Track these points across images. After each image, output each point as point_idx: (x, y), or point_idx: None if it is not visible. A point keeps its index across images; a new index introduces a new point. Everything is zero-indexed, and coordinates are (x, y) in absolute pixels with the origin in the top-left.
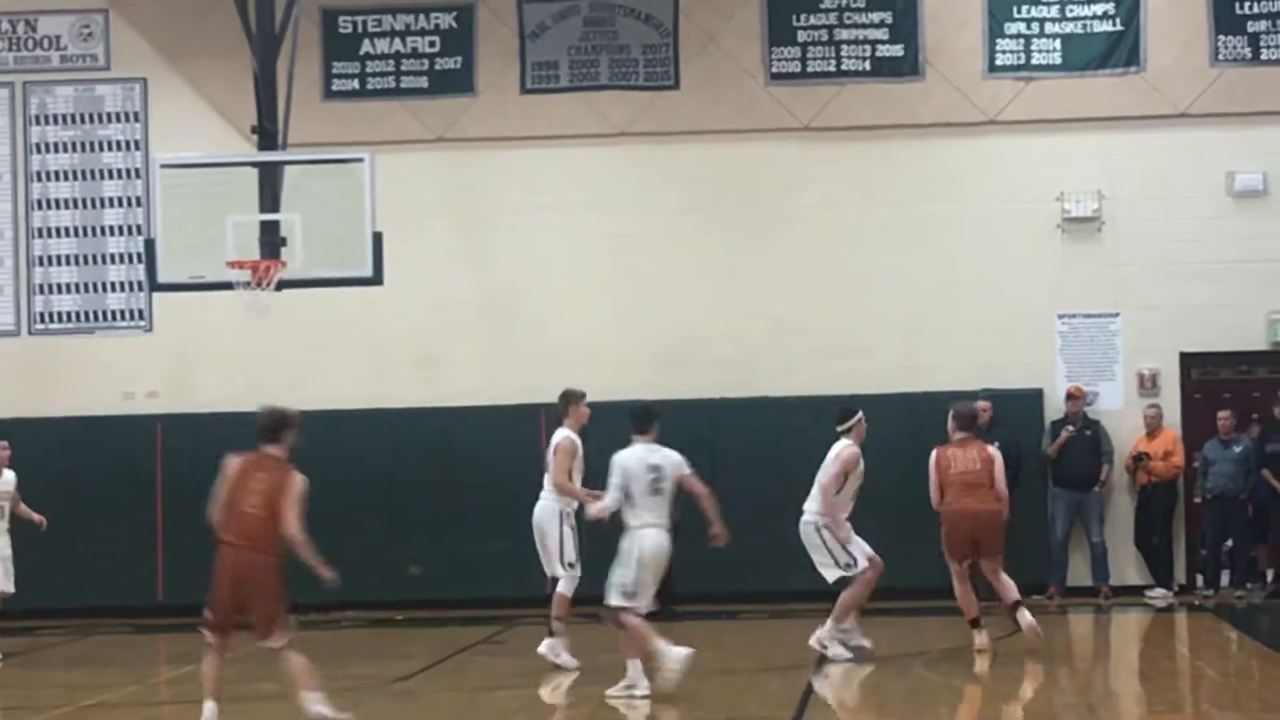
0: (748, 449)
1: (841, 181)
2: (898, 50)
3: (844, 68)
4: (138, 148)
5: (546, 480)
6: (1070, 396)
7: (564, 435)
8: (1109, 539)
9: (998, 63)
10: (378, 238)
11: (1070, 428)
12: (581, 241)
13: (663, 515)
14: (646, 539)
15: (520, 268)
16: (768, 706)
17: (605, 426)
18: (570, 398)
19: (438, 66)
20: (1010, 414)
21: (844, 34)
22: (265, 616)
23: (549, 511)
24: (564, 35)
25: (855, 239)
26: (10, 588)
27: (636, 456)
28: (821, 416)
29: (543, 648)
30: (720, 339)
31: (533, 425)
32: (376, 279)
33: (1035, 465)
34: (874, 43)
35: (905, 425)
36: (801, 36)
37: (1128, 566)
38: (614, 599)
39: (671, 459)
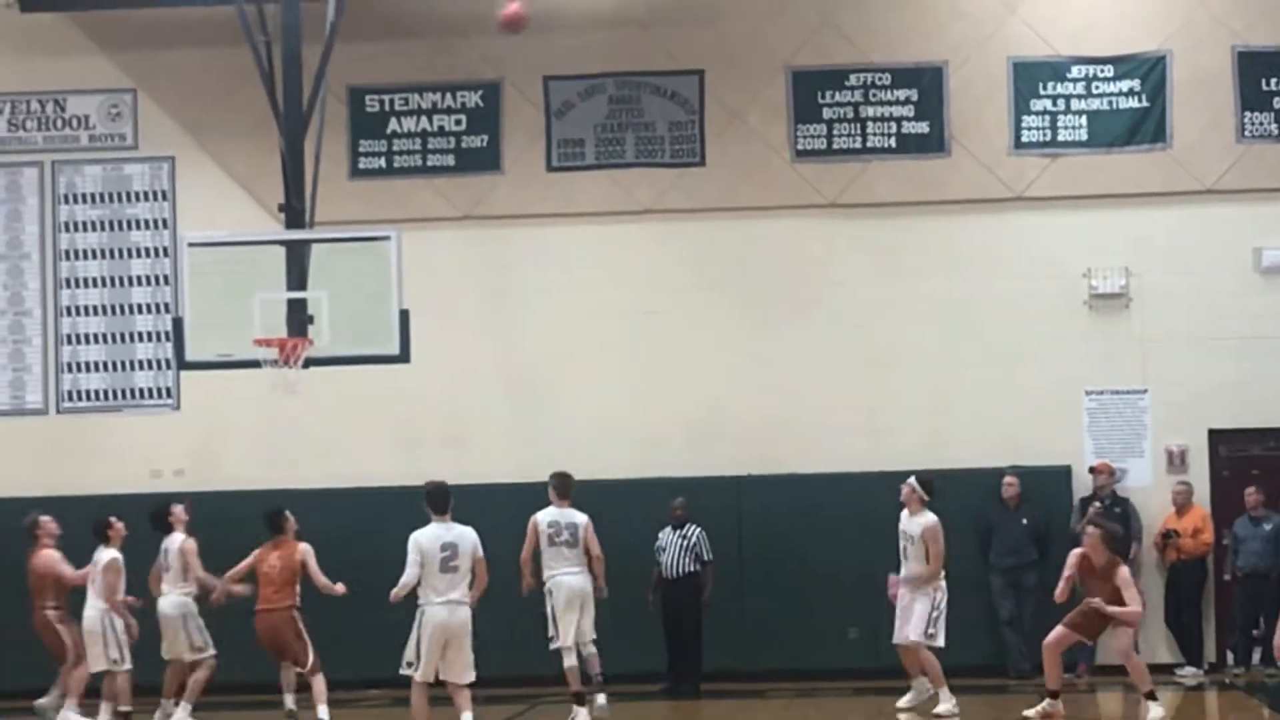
0: (774, 525)
1: (867, 258)
2: (923, 127)
3: (870, 144)
4: (165, 226)
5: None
6: (1097, 472)
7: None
8: None
9: (1024, 139)
10: (404, 315)
11: (1096, 504)
12: (608, 318)
13: (461, 589)
14: (437, 614)
15: (546, 344)
16: None
17: (632, 503)
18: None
19: (464, 144)
20: (1038, 491)
21: (869, 111)
22: None
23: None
24: (590, 113)
25: (881, 315)
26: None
27: (431, 535)
28: (846, 493)
29: None
30: (746, 415)
31: None
32: (404, 357)
33: (1064, 542)
34: (900, 119)
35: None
36: (827, 114)
37: (1158, 645)
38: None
39: (467, 537)
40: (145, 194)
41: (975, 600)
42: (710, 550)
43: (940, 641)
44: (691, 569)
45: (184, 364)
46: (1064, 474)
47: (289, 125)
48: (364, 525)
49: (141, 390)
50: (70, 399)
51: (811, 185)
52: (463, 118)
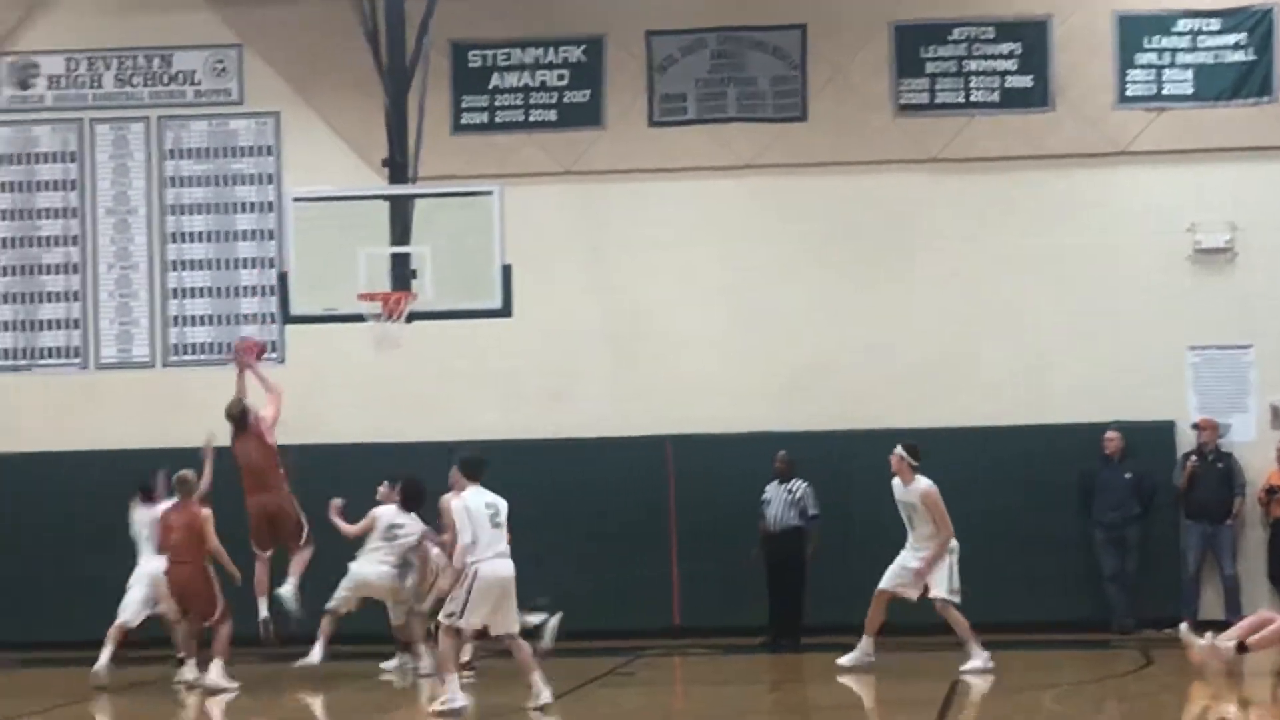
0: (875, 481)
1: (969, 213)
2: (1027, 81)
3: (973, 99)
4: (270, 181)
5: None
6: (1200, 428)
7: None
8: (1241, 572)
9: (1128, 93)
10: (507, 270)
11: (1195, 459)
12: (708, 273)
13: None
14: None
15: (647, 299)
16: None
17: (734, 457)
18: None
19: (566, 99)
20: (1142, 446)
21: (973, 65)
22: None
23: None
24: (692, 68)
25: (983, 270)
26: None
27: (475, 497)
28: (948, 449)
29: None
30: (846, 371)
31: (659, 456)
32: (505, 311)
33: (1167, 498)
34: (1003, 74)
35: (1032, 458)
36: (930, 68)
37: (1260, 600)
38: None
39: (502, 500)
40: (250, 149)
41: (1077, 556)
42: (816, 505)
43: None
44: (795, 523)
45: (289, 318)
46: (1167, 429)
47: (393, 81)
48: None
49: None
50: (177, 352)
51: (914, 140)
52: (565, 73)
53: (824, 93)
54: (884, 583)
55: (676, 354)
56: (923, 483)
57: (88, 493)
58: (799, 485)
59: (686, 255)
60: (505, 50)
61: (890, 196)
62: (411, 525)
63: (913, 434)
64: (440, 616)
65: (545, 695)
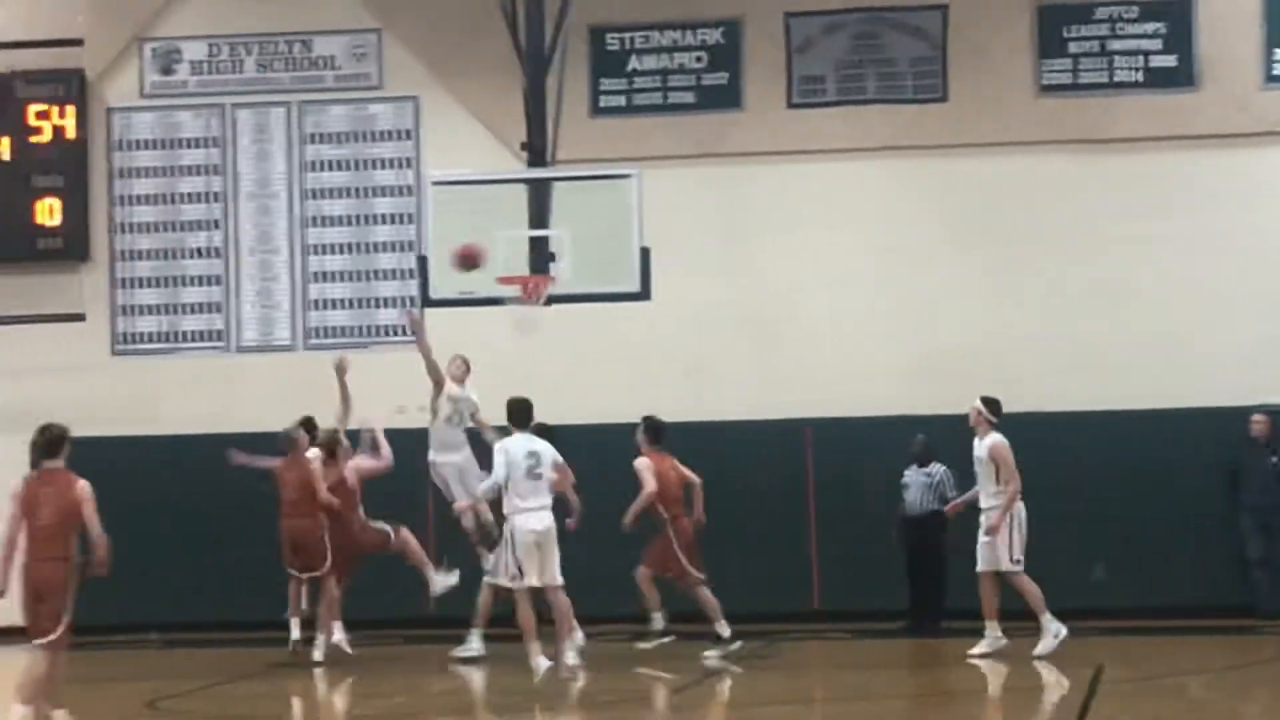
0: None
1: (1112, 194)
2: (1171, 61)
3: (1116, 79)
4: (409, 165)
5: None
6: None
7: None
8: None
9: (1275, 73)
10: (645, 253)
11: None
12: (846, 256)
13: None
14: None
15: (785, 282)
16: None
17: (873, 440)
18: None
19: (704, 82)
20: None
21: (1116, 45)
22: None
23: None
24: (831, 49)
25: (1126, 252)
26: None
27: (518, 444)
28: (1089, 433)
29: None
30: (986, 353)
31: (798, 440)
32: (644, 294)
33: None
34: (1147, 53)
35: (1176, 442)
36: (1073, 48)
37: None
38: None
39: (548, 449)
40: (390, 133)
41: (1223, 541)
42: (955, 488)
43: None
44: (935, 507)
45: (428, 301)
46: None
47: (531, 64)
48: (602, 463)
49: (385, 328)
50: (316, 336)
51: (1056, 121)
52: (703, 55)
53: (965, 74)
54: (980, 565)
55: (815, 337)
56: (994, 436)
57: (227, 475)
58: (938, 469)
59: (825, 238)
60: (643, 33)
61: (1031, 178)
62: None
63: (1054, 417)
64: (502, 580)
65: (571, 656)
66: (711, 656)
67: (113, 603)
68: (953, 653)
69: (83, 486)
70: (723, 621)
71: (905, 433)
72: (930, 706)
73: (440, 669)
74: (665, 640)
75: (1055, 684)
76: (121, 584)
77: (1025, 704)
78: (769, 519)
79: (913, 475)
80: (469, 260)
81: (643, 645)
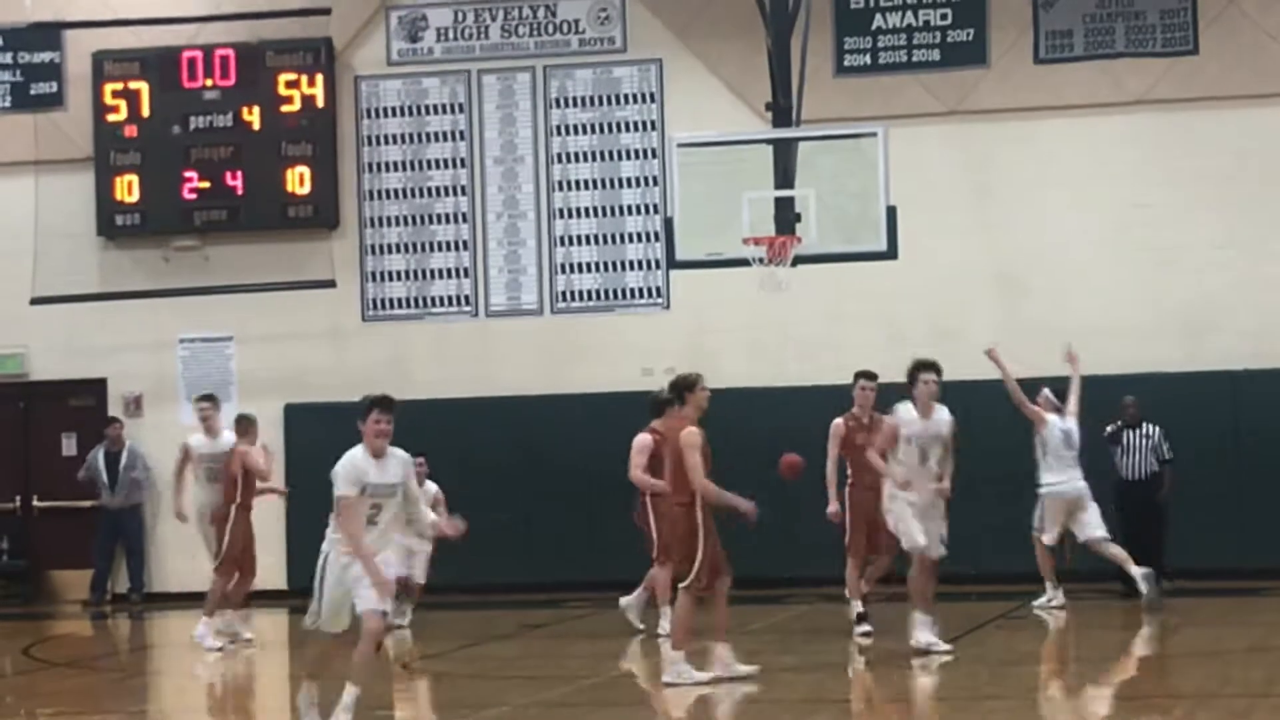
0: (1273, 421)
1: None
2: None
3: None
4: (654, 128)
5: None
6: None
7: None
8: None
9: None
10: (891, 211)
11: None
12: (1096, 212)
13: None
14: None
15: (1033, 240)
16: None
17: (1118, 398)
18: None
19: (949, 39)
20: None
21: None
22: None
23: None
24: (1079, 3)
25: None
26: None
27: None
28: None
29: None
30: (1241, 309)
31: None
32: (891, 253)
33: None
34: None
35: None
36: None
37: None
38: None
39: None
40: (634, 96)
41: None
42: (1171, 449)
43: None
44: (1154, 468)
45: (674, 263)
46: None
47: (775, 24)
48: None
49: (632, 290)
50: (564, 299)
51: None
52: (948, 11)
53: (1215, 25)
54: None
55: (1066, 294)
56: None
57: (480, 439)
58: (1153, 430)
59: (1073, 194)
60: None
61: None
62: None
63: None
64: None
65: None
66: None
67: None
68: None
69: None
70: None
71: (1154, 390)
72: None
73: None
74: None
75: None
76: None
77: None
78: (1017, 476)
79: (1128, 437)
80: (793, 469)
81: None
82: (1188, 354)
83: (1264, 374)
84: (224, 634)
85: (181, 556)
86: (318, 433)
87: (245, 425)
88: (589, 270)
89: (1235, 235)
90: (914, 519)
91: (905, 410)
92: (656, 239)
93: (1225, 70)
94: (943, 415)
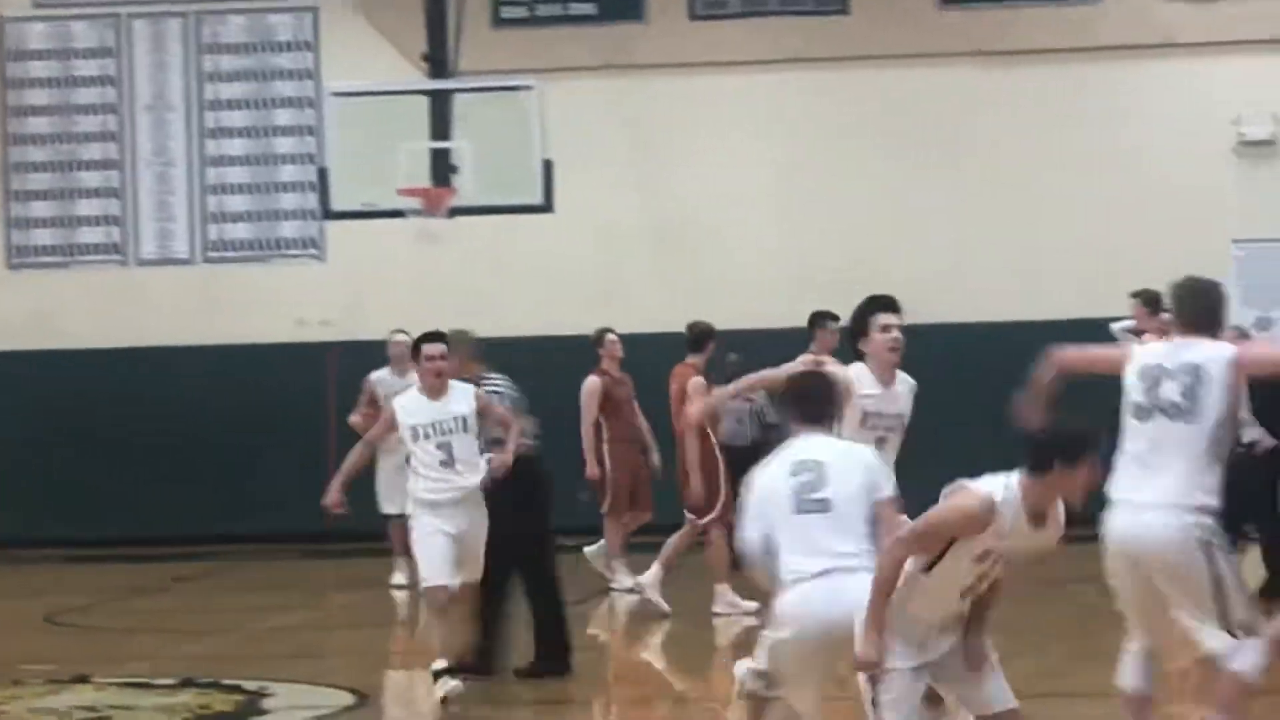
0: (921, 375)
1: (1015, 107)
2: None
3: None
4: (309, 77)
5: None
6: None
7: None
8: None
9: None
10: (548, 165)
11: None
12: (751, 168)
13: None
14: None
15: (690, 195)
16: None
17: (785, 353)
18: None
19: None
20: None
21: None
22: None
23: None
24: None
25: (1031, 165)
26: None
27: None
28: (997, 342)
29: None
30: (891, 267)
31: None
32: (547, 206)
33: None
34: None
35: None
36: None
37: None
38: None
39: None
40: (289, 44)
41: None
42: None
43: None
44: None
45: (329, 214)
46: None
47: None
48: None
49: (286, 241)
50: (216, 249)
51: (959, 32)
52: None
53: None
54: None
55: (723, 250)
56: None
57: (128, 389)
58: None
59: (729, 150)
60: None
61: (934, 90)
62: None
63: (957, 328)
64: None
65: None
66: None
67: (15, 517)
68: None
69: None
70: None
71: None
72: None
73: None
74: None
75: None
76: (22, 498)
77: None
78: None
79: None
80: None
81: None
82: (839, 309)
83: (913, 329)
84: None
85: None
86: None
87: None
88: (242, 220)
89: (885, 193)
90: None
91: (861, 374)
92: (312, 189)
93: (876, 29)
94: (906, 383)
